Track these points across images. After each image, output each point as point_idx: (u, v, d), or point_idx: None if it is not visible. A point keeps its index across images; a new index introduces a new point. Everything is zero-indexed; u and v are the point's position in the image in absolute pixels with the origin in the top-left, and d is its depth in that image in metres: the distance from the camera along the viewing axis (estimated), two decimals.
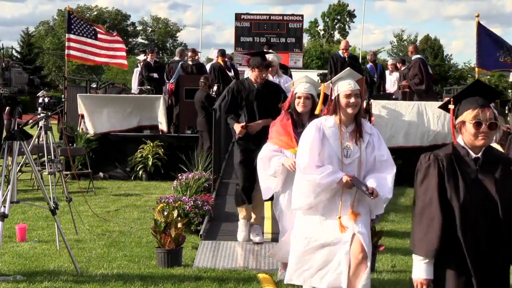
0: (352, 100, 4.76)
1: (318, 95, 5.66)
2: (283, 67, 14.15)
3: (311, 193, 4.75)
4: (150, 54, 16.74)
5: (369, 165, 4.79)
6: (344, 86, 4.81)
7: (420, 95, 14.56)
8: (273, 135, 5.95)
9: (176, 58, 16.62)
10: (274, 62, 9.20)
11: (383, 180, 4.72)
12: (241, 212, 7.74)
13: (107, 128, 14.09)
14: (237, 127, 7.40)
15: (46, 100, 9.04)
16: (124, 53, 16.70)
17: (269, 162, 5.94)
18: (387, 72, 16.69)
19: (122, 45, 16.80)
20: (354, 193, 4.73)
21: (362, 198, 4.74)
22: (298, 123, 5.80)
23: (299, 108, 5.81)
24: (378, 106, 13.43)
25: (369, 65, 16.50)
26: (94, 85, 18.81)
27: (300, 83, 5.91)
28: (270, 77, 8.90)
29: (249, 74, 7.91)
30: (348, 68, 5.15)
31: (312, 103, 5.82)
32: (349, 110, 4.77)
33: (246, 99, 7.52)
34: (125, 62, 16.75)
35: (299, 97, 5.82)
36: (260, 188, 6.40)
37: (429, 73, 15.16)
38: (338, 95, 4.80)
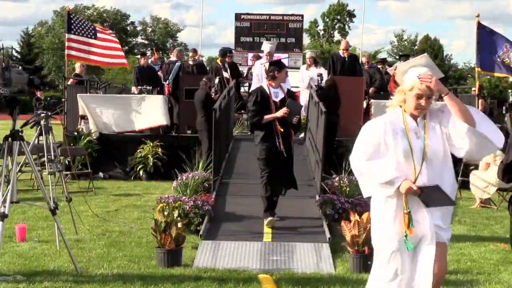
0: None
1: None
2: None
3: None
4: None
5: None
6: None
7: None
8: None
9: (173, 58, 16.61)
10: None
11: None
12: None
13: (107, 128, 14.09)
14: None
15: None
16: (121, 53, 16.50)
17: None
18: (303, 67, 15.95)
19: (117, 45, 16.54)
20: None
21: None
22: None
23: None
24: (378, 106, 13.43)
25: None
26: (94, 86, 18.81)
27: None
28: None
29: None
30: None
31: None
32: None
33: None
34: (125, 61, 16.61)
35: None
36: None
37: None
38: None
